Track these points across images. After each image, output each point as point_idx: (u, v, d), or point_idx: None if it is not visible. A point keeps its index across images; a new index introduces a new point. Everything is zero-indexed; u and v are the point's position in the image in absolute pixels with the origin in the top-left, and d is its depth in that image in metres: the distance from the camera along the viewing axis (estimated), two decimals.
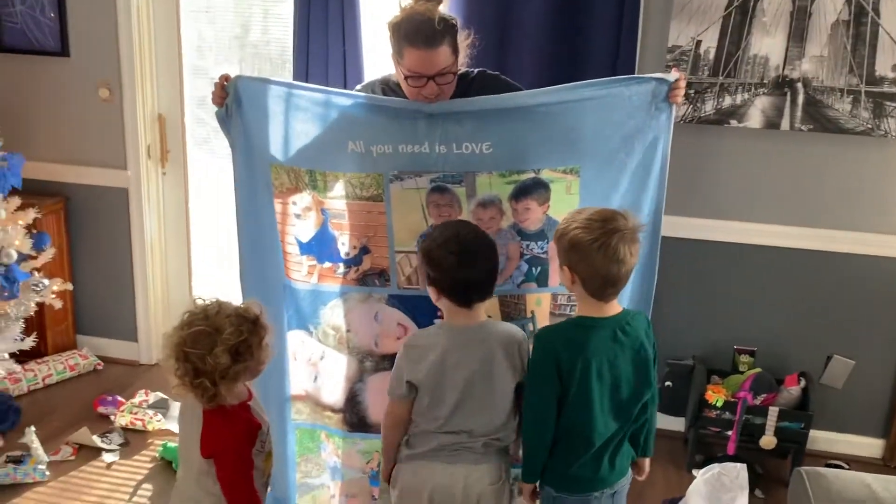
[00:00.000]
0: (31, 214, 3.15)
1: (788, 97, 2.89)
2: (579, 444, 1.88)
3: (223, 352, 1.68)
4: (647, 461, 2.06)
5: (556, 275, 2.26)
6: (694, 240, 3.12)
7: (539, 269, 2.28)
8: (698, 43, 2.89)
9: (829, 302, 3.11)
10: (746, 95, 2.92)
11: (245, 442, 1.78)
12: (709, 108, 2.95)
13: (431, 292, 1.96)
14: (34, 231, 3.23)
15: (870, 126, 2.85)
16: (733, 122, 2.96)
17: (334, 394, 2.47)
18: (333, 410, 2.49)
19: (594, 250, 1.75)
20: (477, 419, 1.93)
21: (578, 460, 1.89)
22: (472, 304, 1.93)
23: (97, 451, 3.04)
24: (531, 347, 1.95)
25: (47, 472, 2.87)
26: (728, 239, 3.12)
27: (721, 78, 2.92)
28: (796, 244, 3.07)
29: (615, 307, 1.88)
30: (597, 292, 1.82)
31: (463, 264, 1.87)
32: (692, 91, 2.92)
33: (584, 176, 2.17)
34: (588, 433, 1.86)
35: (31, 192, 3.38)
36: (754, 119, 2.94)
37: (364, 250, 2.31)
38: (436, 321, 2.24)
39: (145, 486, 2.87)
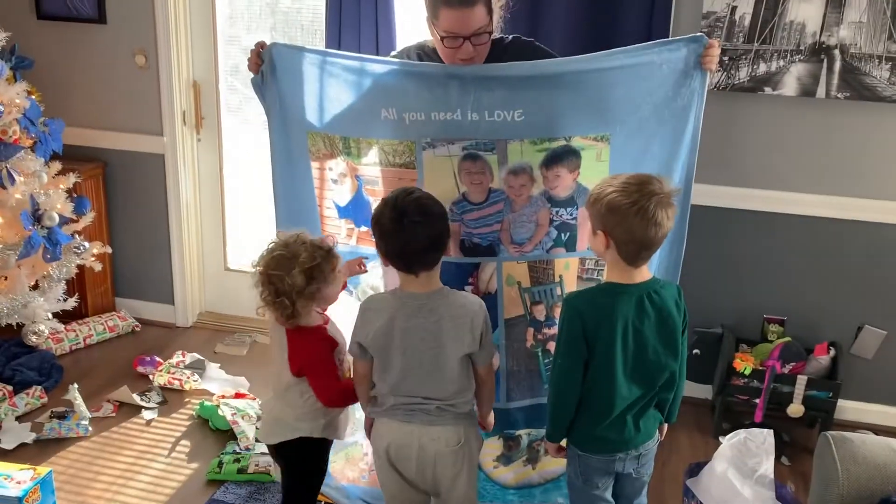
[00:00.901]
0: (72, 179, 3.24)
1: (825, 64, 2.85)
2: (602, 407, 1.90)
3: (299, 273, 1.94)
4: (665, 426, 2.09)
5: (585, 240, 2.28)
6: (725, 208, 3.11)
7: (568, 234, 2.30)
8: (733, 9, 2.86)
9: (860, 272, 3.09)
10: (782, 62, 2.89)
11: (326, 352, 2.05)
12: (743, 75, 2.92)
13: (380, 258, 1.96)
14: (74, 195, 3.31)
15: None
16: (767, 90, 2.92)
17: None
18: None
19: (632, 214, 1.75)
20: (426, 386, 1.94)
21: (602, 422, 1.91)
22: (416, 273, 1.90)
23: (137, 409, 3.14)
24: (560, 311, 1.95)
25: (90, 428, 2.98)
26: (759, 208, 3.10)
27: (756, 45, 2.88)
28: (828, 213, 3.04)
29: (645, 273, 1.89)
30: (630, 257, 1.83)
31: (399, 231, 1.85)
32: (726, 58, 2.89)
33: (615, 143, 2.18)
34: (611, 397, 1.87)
35: (71, 157, 3.46)
36: (789, 87, 2.90)
37: None
38: (466, 288, 2.28)
39: (183, 442, 2.97)
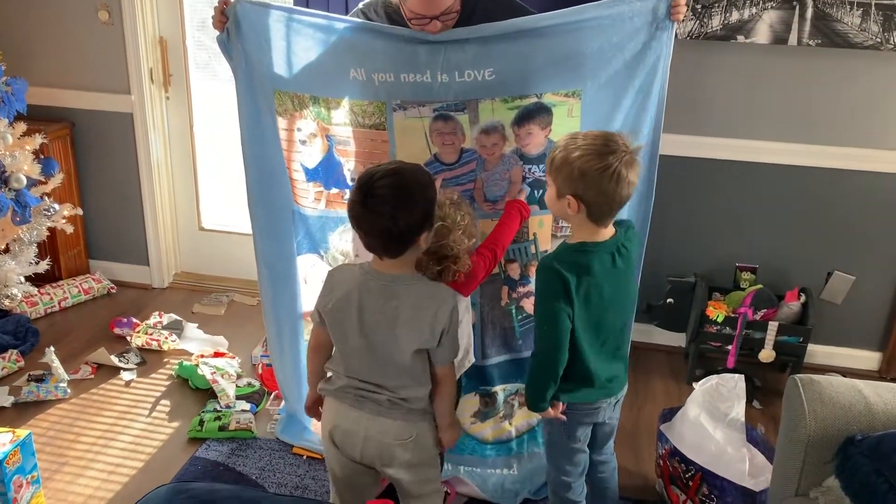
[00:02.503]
0: (38, 140, 3.18)
1: (797, 11, 2.84)
2: (584, 367, 1.91)
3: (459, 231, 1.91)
4: None
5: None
6: (697, 158, 3.12)
7: (541, 191, 2.30)
8: None
9: (830, 219, 3.13)
10: (754, 10, 2.87)
11: None
12: (716, 23, 2.91)
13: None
14: (42, 156, 3.25)
15: (878, 40, 2.81)
16: (740, 38, 2.92)
17: None
18: None
19: (606, 178, 1.73)
20: (377, 372, 1.84)
21: (586, 379, 1.93)
22: (381, 257, 1.78)
23: (115, 371, 3.14)
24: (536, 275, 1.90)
25: (69, 390, 2.98)
26: (731, 157, 3.12)
27: None
28: (799, 161, 3.07)
29: (611, 230, 1.89)
30: (600, 217, 1.82)
31: (365, 214, 1.70)
32: (699, 6, 2.87)
33: (586, 99, 2.17)
34: (592, 352, 1.90)
35: (37, 118, 3.39)
36: (762, 34, 2.90)
37: None
38: None
39: (163, 402, 2.98)
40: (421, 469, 1.93)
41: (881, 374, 3.27)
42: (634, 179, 1.78)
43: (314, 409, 2.05)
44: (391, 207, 1.68)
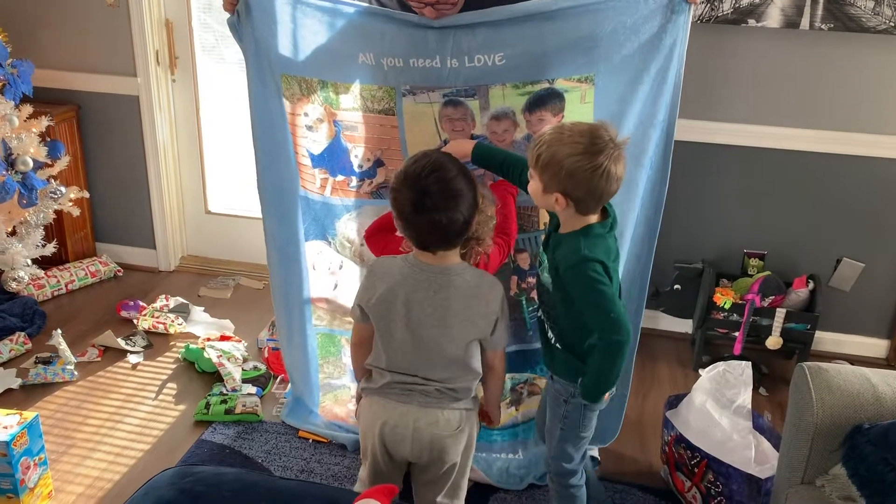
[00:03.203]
0: (45, 122, 3.17)
1: None
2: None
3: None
4: None
5: None
6: (706, 143, 3.10)
7: None
8: None
9: (840, 205, 3.11)
10: None
11: None
12: (727, 7, 2.87)
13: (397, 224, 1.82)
14: (48, 139, 3.25)
15: (892, 24, 2.77)
16: (751, 22, 2.88)
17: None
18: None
19: (597, 177, 1.68)
20: (426, 365, 1.83)
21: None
22: (434, 252, 1.78)
23: (122, 353, 3.15)
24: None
25: (76, 373, 2.99)
26: (740, 142, 3.09)
27: None
28: (809, 147, 3.04)
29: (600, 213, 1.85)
30: (587, 211, 1.78)
31: (418, 215, 1.71)
32: None
33: (599, 84, 2.13)
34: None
35: (43, 100, 3.38)
36: (773, 18, 2.86)
37: (378, 163, 2.31)
38: None
39: (169, 385, 2.99)
40: (465, 460, 1.94)
41: (889, 362, 3.25)
42: (622, 174, 1.73)
43: None
44: (449, 201, 1.70)
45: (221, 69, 3.62)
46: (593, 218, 1.81)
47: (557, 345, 1.94)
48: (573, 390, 1.94)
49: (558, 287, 1.84)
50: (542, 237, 2.02)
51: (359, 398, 2.01)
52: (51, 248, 3.37)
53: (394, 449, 1.89)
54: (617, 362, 1.80)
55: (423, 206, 1.70)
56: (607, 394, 1.92)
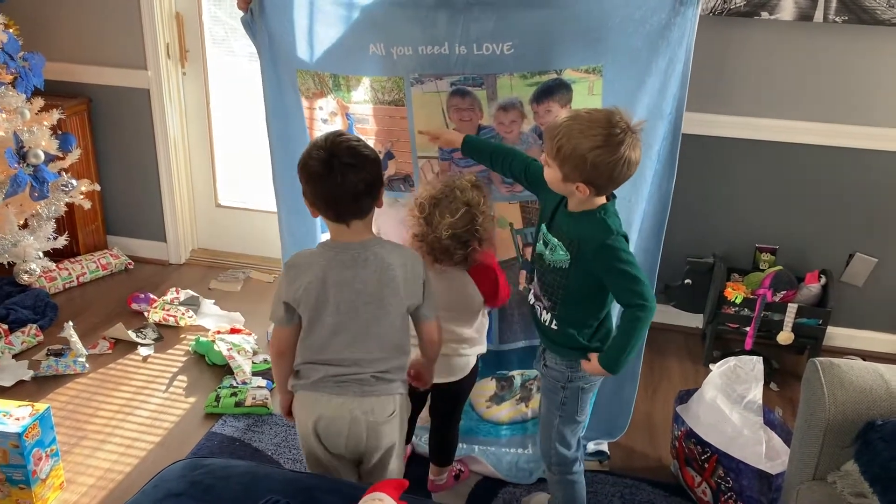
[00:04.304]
0: (56, 115, 3.18)
1: None
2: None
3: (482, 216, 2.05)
4: None
5: None
6: (717, 137, 3.08)
7: None
8: None
9: (852, 200, 3.08)
10: None
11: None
12: None
13: (308, 208, 1.82)
14: (59, 132, 3.25)
15: None
16: (764, 14, 2.86)
17: None
18: None
19: (619, 166, 1.71)
20: (360, 347, 1.81)
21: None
22: (348, 222, 1.77)
23: (133, 346, 3.16)
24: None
25: (87, 365, 3.00)
26: (752, 136, 3.07)
27: None
28: (821, 141, 3.02)
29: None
30: (603, 193, 1.82)
31: (329, 174, 1.72)
32: None
33: (607, 76, 2.13)
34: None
35: (54, 93, 3.39)
36: (786, 11, 2.84)
37: (389, 155, 2.32)
38: None
39: (180, 377, 3.00)
40: (400, 445, 1.94)
41: None
42: (639, 158, 1.78)
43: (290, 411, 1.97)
44: (356, 159, 1.73)
45: (232, 62, 3.62)
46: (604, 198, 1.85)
47: (553, 325, 1.95)
48: (570, 374, 1.98)
49: (579, 264, 1.85)
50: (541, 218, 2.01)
51: (286, 406, 1.96)
52: (62, 241, 3.38)
53: (330, 443, 1.87)
54: (644, 332, 1.85)
55: (331, 165, 1.71)
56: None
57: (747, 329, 2.99)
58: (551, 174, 1.81)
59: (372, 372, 1.82)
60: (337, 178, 1.71)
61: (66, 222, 3.56)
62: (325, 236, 2.49)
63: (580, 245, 1.83)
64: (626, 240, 1.84)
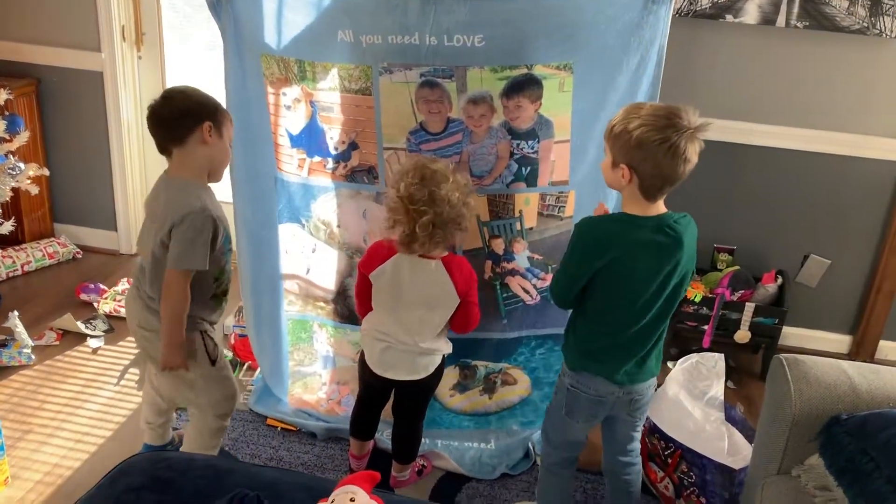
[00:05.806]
0: (3, 96, 3.04)
1: None
2: (614, 325, 1.85)
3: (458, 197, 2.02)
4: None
5: (546, 174, 2.25)
6: None
7: (529, 168, 2.26)
8: None
9: (809, 202, 3.15)
10: None
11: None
12: (705, 1, 2.88)
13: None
14: (6, 113, 3.12)
15: (865, 25, 2.81)
16: (729, 17, 2.90)
17: (326, 285, 2.49)
18: (325, 301, 2.51)
19: (664, 150, 1.67)
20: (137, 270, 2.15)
21: (608, 337, 1.86)
22: (168, 152, 2.01)
23: (82, 337, 3.05)
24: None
25: (33, 356, 2.89)
26: (711, 137, 3.02)
27: None
28: (780, 144, 3.07)
29: (661, 207, 1.82)
30: (651, 192, 1.75)
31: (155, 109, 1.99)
32: None
33: (578, 73, 2.13)
34: (620, 322, 1.83)
35: (1, 73, 3.25)
36: (750, 14, 2.88)
37: (352, 146, 2.28)
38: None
39: (132, 370, 2.89)
40: None
41: (851, 358, 3.31)
42: (694, 157, 1.72)
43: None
44: (165, 97, 1.99)
45: (188, 48, 3.53)
46: (651, 209, 1.78)
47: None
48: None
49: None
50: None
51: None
52: (8, 227, 3.23)
53: None
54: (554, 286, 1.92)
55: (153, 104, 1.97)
56: None
57: (705, 327, 3.03)
58: (605, 161, 1.79)
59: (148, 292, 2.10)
60: (152, 113, 2.01)
61: (12, 208, 3.42)
62: (282, 228, 2.45)
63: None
64: (595, 240, 1.80)
